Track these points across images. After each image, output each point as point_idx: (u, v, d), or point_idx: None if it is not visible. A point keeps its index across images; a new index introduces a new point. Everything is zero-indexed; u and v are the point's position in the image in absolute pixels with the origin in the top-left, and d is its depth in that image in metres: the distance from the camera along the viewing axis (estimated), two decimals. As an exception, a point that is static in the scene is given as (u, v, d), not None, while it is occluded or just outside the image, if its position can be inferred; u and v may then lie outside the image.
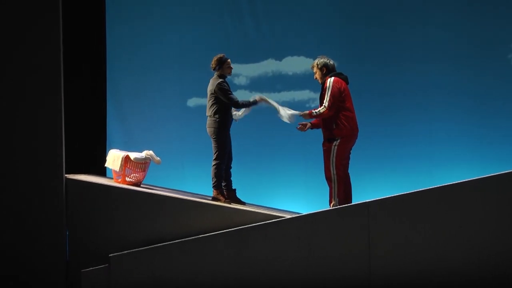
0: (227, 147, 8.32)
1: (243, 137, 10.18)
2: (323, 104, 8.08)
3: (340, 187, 8.04)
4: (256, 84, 10.65)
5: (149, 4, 10.61)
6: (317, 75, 8.28)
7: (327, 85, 8.12)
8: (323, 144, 8.16)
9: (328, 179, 8.10)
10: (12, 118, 7.66)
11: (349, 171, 8.16)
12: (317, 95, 8.40)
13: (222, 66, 8.36)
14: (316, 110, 8.12)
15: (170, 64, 10.49)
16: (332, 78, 8.16)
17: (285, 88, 10.68)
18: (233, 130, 8.37)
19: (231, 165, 8.44)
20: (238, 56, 10.39)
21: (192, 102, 10.59)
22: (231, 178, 8.43)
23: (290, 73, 10.68)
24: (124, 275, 7.47)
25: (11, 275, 7.60)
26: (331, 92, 8.09)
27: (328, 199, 8.13)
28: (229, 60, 8.39)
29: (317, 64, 8.25)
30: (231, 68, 8.42)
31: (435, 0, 10.51)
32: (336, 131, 8.07)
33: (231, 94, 8.27)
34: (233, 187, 8.42)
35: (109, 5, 10.38)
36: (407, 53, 10.52)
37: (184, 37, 10.53)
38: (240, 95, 8.66)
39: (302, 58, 10.60)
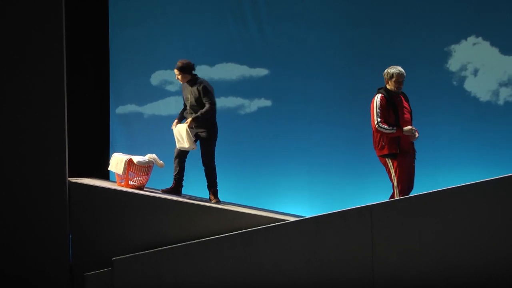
0: None
1: (246, 141, 10.20)
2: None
3: None
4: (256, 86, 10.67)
5: (152, 8, 10.61)
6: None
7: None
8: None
9: None
10: (16, 122, 7.66)
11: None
12: None
13: None
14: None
15: (173, 68, 10.47)
16: None
17: None
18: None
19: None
20: (242, 59, 10.46)
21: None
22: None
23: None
24: (128, 279, 7.48)
25: (15, 278, 7.60)
26: None
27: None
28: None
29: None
30: None
31: (439, 4, 10.51)
32: None
33: None
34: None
35: (112, 9, 10.40)
36: (409, 57, 10.50)
37: (187, 41, 10.53)
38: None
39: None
